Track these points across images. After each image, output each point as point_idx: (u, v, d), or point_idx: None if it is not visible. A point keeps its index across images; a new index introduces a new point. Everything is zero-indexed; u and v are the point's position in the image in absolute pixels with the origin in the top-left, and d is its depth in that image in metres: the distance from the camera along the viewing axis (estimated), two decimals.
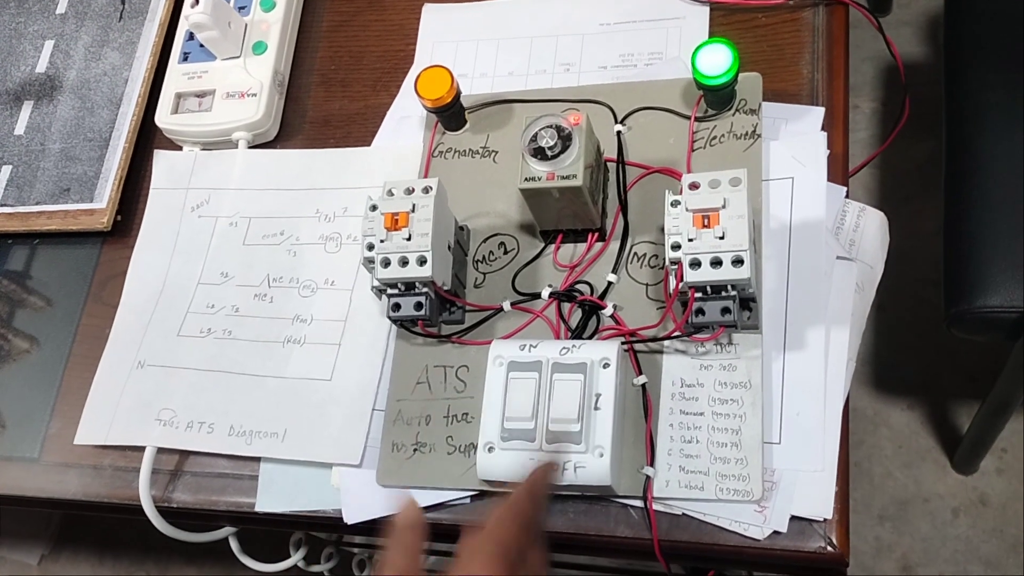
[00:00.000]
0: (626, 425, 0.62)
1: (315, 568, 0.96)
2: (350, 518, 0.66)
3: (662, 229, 0.60)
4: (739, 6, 0.74)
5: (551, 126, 0.63)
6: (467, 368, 0.67)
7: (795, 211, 0.65)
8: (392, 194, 0.65)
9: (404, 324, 0.67)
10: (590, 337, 0.66)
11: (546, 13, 0.79)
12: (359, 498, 0.66)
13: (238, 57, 0.82)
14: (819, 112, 0.68)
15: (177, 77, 0.83)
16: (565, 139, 0.62)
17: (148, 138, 0.85)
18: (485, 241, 0.71)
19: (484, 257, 0.70)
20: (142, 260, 0.80)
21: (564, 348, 0.62)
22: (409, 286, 0.64)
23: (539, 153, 0.62)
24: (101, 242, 0.83)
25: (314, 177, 0.78)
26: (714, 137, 0.68)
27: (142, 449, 0.71)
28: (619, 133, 0.70)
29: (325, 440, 0.68)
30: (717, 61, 0.65)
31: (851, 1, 0.72)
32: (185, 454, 0.72)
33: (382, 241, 0.64)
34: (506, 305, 0.68)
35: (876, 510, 1.34)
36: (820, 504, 0.58)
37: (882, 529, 1.33)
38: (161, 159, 0.83)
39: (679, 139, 0.69)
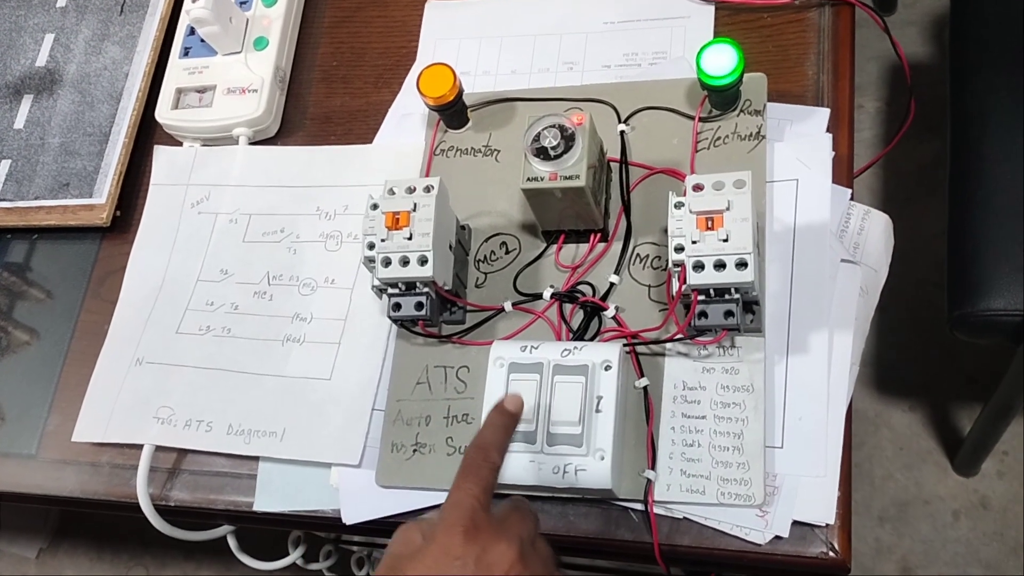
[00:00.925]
0: (627, 428, 0.62)
1: (314, 566, 0.96)
2: (349, 518, 0.66)
3: (665, 230, 0.60)
4: (744, 6, 0.73)
5: (554, 126, 0.62)
6: (467, 369, 0.67)
7: (799, 213, 0.65)
8: (393, 193, 0.64)
9: (404, 324, 0.67)
10: (592, 338, 0.65)
11: (550, 11, 0.79)
12: (358, 498, 0.66)
13: (239, 52, 0.81)
14: (824, 113, 0.68)
15: (178, 72, 0.83)
16: (568, 139, 0.62)
17: (148, 133, 0.84)
18: (487, 241, 0.70)
19: (485, 257, 0.70)
20: (141, 256, 0.79)
21: (565, 350, 0.62)
22: (410, 286, 0.64)
23: (542, 153, 0.62)
24: (100, 238, 0.82)
25: (315, 174, 0.78)
26: (718, 138, 0.68)
27: (140, 447, 0.71)
28: (622, 133, 0.70)
29: (324, 440, 0.68)
30: (722, 61, 0.64)
31: (857, 1, 0.71)
32: (183, 452, 0.72)
33: (383, 240, 0.63)
34: (507, 305, 0.67)
35: (876, 511, 1.34)
36: (822, 509, 0.58)
37: (882, 530, 1.33)
38: (161, 155, 0.82)
39: (683, 139, 0.69)
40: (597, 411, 0.60)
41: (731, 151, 0.67)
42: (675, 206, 0.59)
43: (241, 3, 0.83)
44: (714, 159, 0.67)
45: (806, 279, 0.63)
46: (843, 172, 0.66)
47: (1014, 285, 0.88)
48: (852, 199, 0.66)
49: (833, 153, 0.66)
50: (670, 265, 0.59)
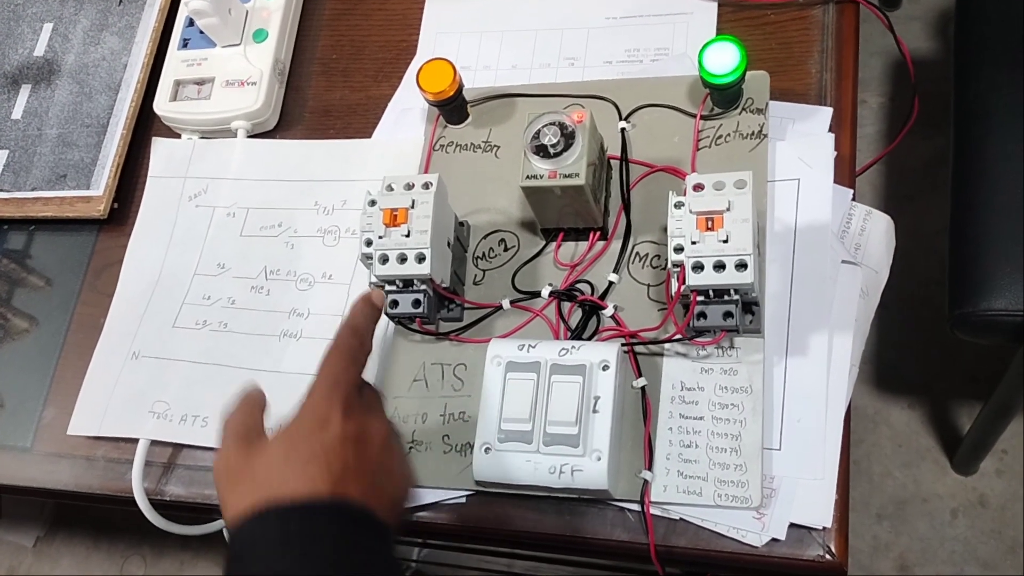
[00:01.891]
0: (624, 428, 0.62)
1: None
2: None
3: (665, 229, 0.59)
4: (748, 3, 0.73)
5: (554, 123, 0.62)
6: (465, 366, 0.66)
7: (800, 213, 0.64)
8: (391, 189, 0.64)
9: (402, 321, 0.67)
10: (590, 337, 0.65)
11: (551, 6, 0.78)
12: None
13: (238, 45, 0.81)
14: (827, 113, 0.67)
15: (176, 64, 0.82)
16: (568, 137, 0.61)
17: (146, 125, 0.84)
18: (485, 238, 0.70)
19: (484, 254, 0.69)
20: (138, 249, 0.79)
21: (563, 349, 0.61)
22: (407, 283, 0.63)
23: (541, 151, 0.61)
24: (97, 230, 0.82)
25: (313, 168, 0.77)
26: (720, 136, 0.67)
27: (135, 441, 0.71)
28: (623, 130, 0.69)
29: None
30: (724, 59, 0.64)
31: None
32: (179, 447, 0.72)
33: (380, 237, 0.63)
34: (505, 303, 0.67)
35: (874, 509, 1.34)
36: (819, 512, 0.58)
37: (880, 528, 1.33)
38: (159, 147, 0.82)
39: (684, 137, 0.68)
40: (594, 411, 0.60)
41: (732, 149, 0.66)
42: (675, 206, 0.59)
43: None
44: (715, 157, 0.67)
45: (806, 280, 0.62)
46: (845, 172, 0.66)
47: (1016, 285, 0.88)
48: (854, 199, 0.65)
49: (835, 153, 0.66)
50: (669, 265, 0.59)
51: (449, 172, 0.69)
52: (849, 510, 0.59)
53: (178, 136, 0.82)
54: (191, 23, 0.82)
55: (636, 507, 0.61)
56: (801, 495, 0.58)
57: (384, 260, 0.62)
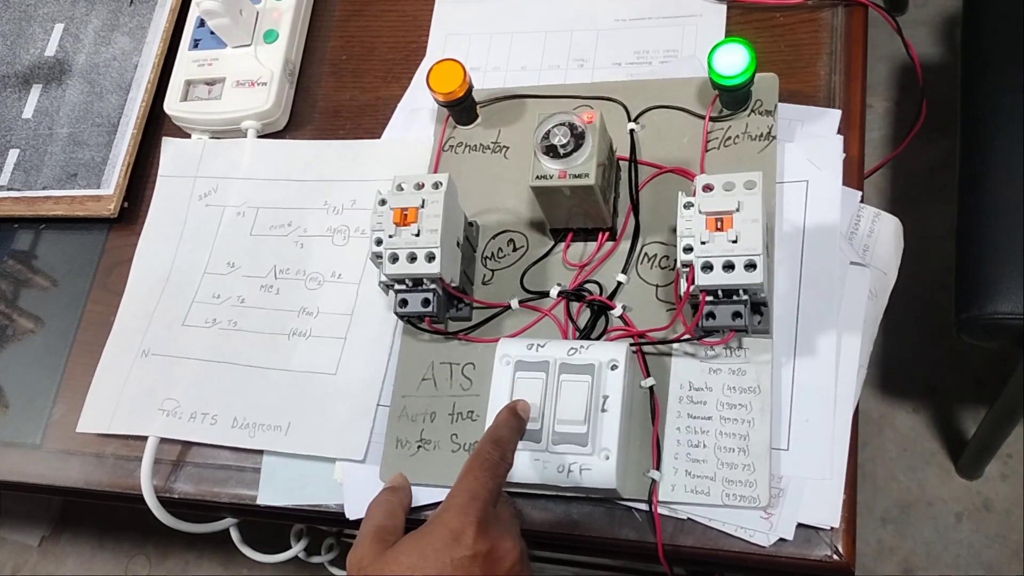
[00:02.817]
0: (632, 428, 0.62)
1: (316, 559, 0.96)
2: (352, 514, 0.66)
3: (674, 230, 0.60)
4: (757, 5, 0.73)
5: (564, 124, 0.62)
6: (473, 365, 0.67)
7: (809, 215, 0.64)
8: (402, 188, 0.64)
9: (411, 320, 0.67)
10: (598, 337, 0.65)
11: (561, 7, 0.78)
12: (362, 493, 0.66)
13: (249, 45, 0.81)
14: (836, 115, 0.67)
15: (187, 64, 0.82)
16: (578, 137, 0.62)
17: (157, 125, 0.84)
18: (494, 238, 0.70)
19: (493, 254, 0.70)
20: (148, 248, 0.79)
21: (572, 348, 0.62)
22: (417, 282, 0.64)
23: (551, 151, 0.62)
24: (107, 229, 0.82)
25: (323, 168, 0.78)
26: (729, 138, 0.67)
27: (145, 438, 0.71)
28: (632, 131, 0.70)
29: (329, 434, 0.68)
30: (734, 61, 0.64)
31: (869, 1, 0.71)
32: (188, 445, 0.72)
33: (390, 236, 0.63)
34: (514, 303, 0.67)
35: (879, 512, 1.34)
36: (827, 512, 0.58)
37: (884, 532, 1.33)
38: (169, 146, 0.82)
39: (693, 139, 0.68)
40: (603, 410, 0.60)
41: (741, 151, 0.67)
42: (684, 206, 0.59)
43: None
44: (724, 159, 0.67)
45: (815, 281, 0.63)
46: (854, 174, 0.66)
47: (1021, 289, 0.88)
48: (862, 201, 0.66)
49: (844, 155, 0.66)
50: (678, 265, 0.59)
51: (458, 172, 0.70)
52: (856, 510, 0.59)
53: (188, 136, 0.83)
54: (202, 23, 0.82)
55: (644, 506, 0.61)
56: (809, 495, 0.58)
57: (394, 259, 0.63)
